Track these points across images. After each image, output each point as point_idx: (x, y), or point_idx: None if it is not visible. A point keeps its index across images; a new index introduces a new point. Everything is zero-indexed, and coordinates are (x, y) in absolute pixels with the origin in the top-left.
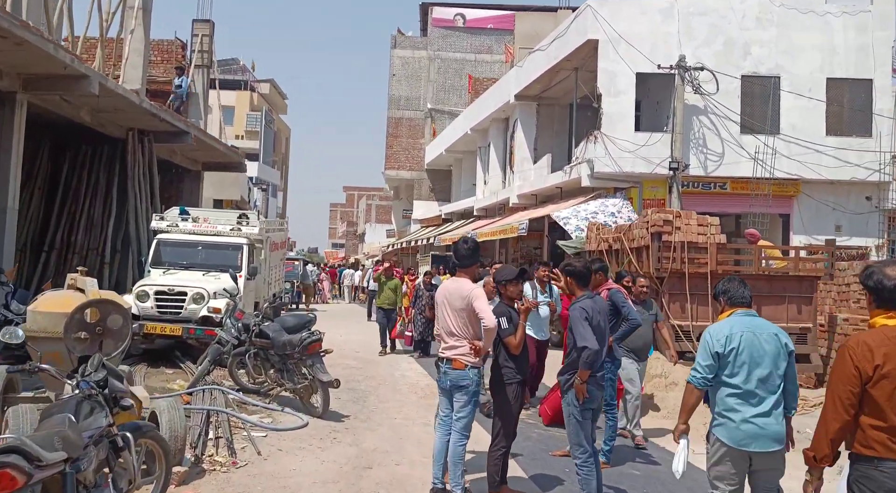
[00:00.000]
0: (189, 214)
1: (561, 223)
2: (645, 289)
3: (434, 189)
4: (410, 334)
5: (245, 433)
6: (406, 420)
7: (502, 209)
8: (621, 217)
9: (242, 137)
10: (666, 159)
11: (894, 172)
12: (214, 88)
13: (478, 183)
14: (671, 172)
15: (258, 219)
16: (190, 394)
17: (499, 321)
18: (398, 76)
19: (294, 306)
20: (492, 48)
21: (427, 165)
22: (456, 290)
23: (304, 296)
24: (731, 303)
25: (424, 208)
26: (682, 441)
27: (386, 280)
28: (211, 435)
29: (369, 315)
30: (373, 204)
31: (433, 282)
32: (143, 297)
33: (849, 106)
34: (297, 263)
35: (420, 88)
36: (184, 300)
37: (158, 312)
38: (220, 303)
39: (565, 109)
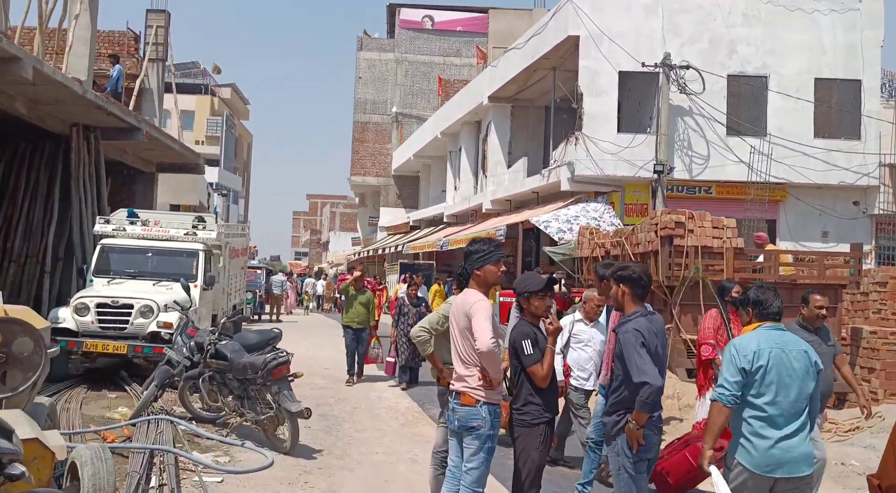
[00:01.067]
0: (138, 217)
1: (541, 227)
2: (824, 311)
3: (401, 196)
4: (392, 359)
5: (196, 479)
6: (389, 455)
7: (474, 216)
8: (603, 222)
9: (203, 142)
10: (649, 162)
11: (882, 177)
12: (172, 91)
13: (448, 189)
14: (655, 176)
15: (216, 223)
16: (134, 425)
17: (522, 345)
18: (364, 79)
19: (257, 318)
20: (461, 51)
21: (394, 170)
22: (461, 304)
23: (270, 307)
24: (762, 316)
25: (391, 215)
26: (714, 470)
27: (356, 293)
28: (154, 483)
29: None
30: (337, 211)
31: (419, 294)
32: (82, 310)
33: (837, 107)
34: (259, 271)
35: (387, 91)
36: (130, 314)
37: (100, 327)
38: (172, 317)
39: (541, 110)
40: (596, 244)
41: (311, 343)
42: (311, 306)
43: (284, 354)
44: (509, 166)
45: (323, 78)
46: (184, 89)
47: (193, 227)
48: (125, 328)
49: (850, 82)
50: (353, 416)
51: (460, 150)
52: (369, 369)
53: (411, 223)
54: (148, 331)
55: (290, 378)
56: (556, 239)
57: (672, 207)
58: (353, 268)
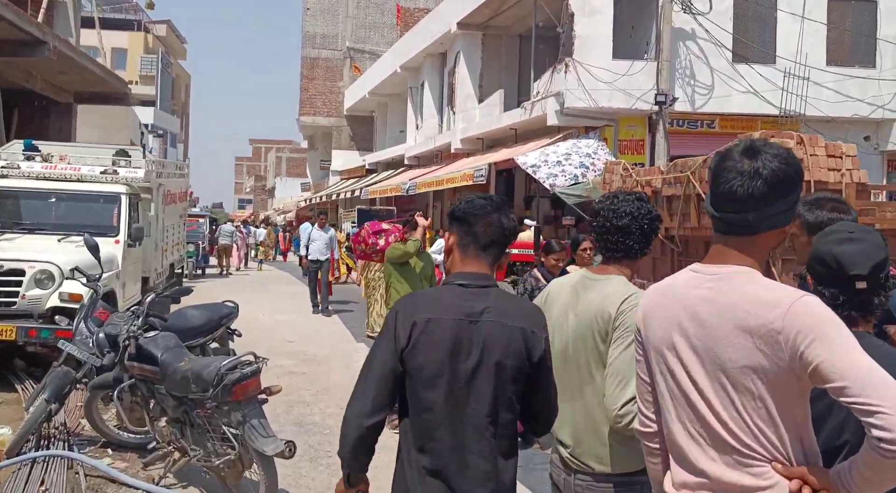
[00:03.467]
0: (38, 151)
1: (529, 172)
2: None
3: (355, 137)
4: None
5: None
6: None
7: (438, 157)
8: (598, 161)
9: (137, 82)
10: (648, 92)
11: None
12: (97, 27)
13: (409, 128)
14: (656, 108)
15: (144, 159)
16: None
17: None
18: (313, 10)
19: (200, 272)
20: None
21: (347, 110)
22: (725, 310)
23: (218, 259)
24: None
25: (345, 159)
26: None
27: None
28: None
29: (314, 295)
30: (283, 156)
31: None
32: None
33: (851, 31)
34: (201, 220)
35: (338, 24)
36: (20, 283)
37: None
38: (82, 288)
39: (515, 39)
40: (637, 182)
41: (269, 305)
42: (266, 258)
43: (252, 361)
44: (480, 101)
45: (268, 11)
46: (114, 25)
47: (113, 164)
48: (14, 303)
49: (865, 3)
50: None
51: (423, 85)
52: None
53: (367, 167)
54: (47, 306)
55: (262, 398)
56: (548, 186)
57: (673, 143)
58: (414, 213)
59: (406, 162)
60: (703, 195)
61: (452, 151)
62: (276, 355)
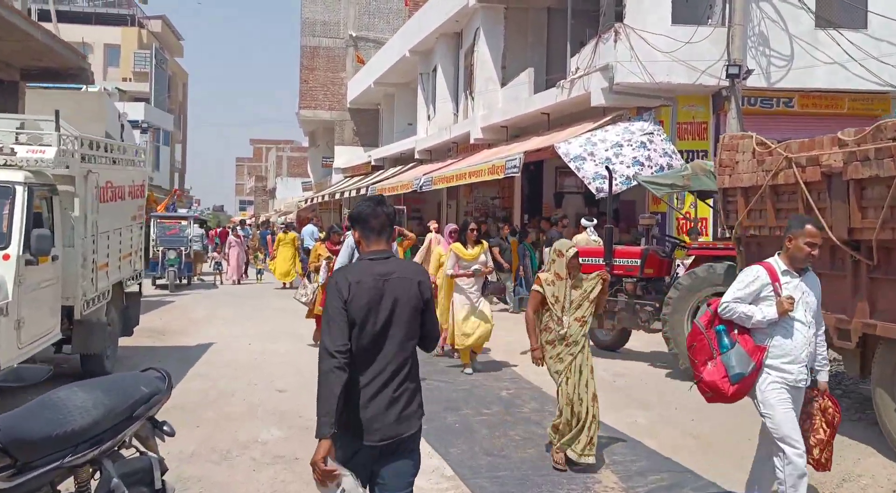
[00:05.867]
0: None
1: (571, 167)
2: None
3: (359, 132)
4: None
5: None
6: None
7: (454, 150)
8: (654, 150)
9: (130, 79)
10: (714, 64)
11: None
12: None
13: (419, 119)
14: (725, 82)
15: (59, 136)
16: None
17: None
18: None
19: (185, 282)
20: None
21: (350, 103)
22: None
23: (194, 267)
24: None
25: (348, 155)
26: None
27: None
28: None
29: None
30: (283, 156)
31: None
32: None
33: None
34: (183, 222)
35: (339, 11)
36: None
37: None
38: None
39: (542, 13)
40: (788, 161)
41: (260, 327)
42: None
43: None
44: (504, 84)
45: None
46: (107, 20)
47: (12, 143)
48: None
49: None
50: None
51: (435, 70)
52: None
53: (373, 163)
54: None
55: None
56: (595, 190)
57: (749, 125)
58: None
59: (416, 157)
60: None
61: (472, 141)
62: (255, 419)
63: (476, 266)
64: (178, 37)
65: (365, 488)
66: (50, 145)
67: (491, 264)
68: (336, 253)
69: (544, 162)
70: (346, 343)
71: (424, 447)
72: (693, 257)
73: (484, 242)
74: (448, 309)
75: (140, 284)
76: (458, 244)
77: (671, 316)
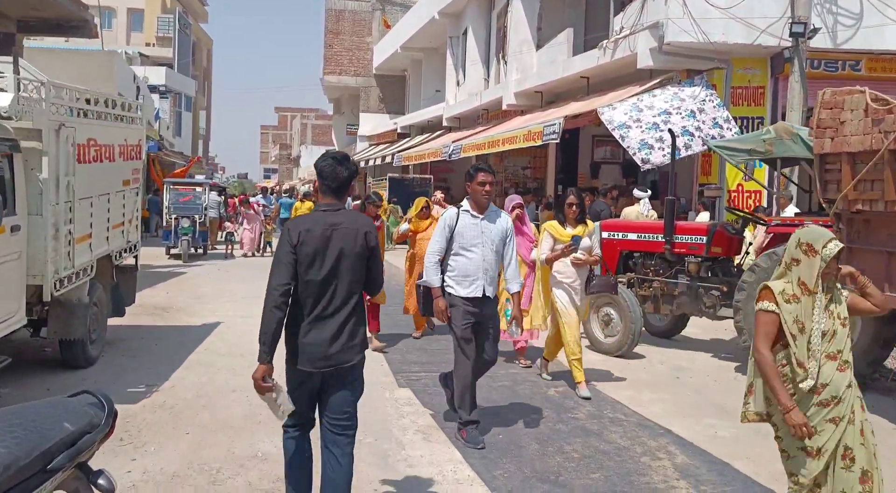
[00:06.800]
0: None
1: (616, 135)
2: None
3: (384, 99)
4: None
5: None
6: None
7: (484, 117)
8: (704, 121)
9: (153, 44)
10: (775, 22)
11: None
12: None
13: (448, 85)
14: (787, 42)
15: (19, 79)
16: None
17: None
18: None
19: (200, 251)
20: None
21: (376, 69)
22: None
23: (208, 237)
24: None
25: (374, 123)
26: None
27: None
28: None
29: None
30: (308, 123)
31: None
32: None
33: None
34: (198, 189)
35: None
36: None
37: None
38: None
39: None
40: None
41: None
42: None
43: None
44: (539, 47)
45: None
46: None
47: None
48: None
49: None
50: None
51: (465, 32)
52: None
53: (399, 131)
54: None
55: None
56: (640, 161)
57: (811, 90)
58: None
59: (445, 124)
60: None
61: (504, 107)
62: (257, 426)
63: (579, 251)
64: (202, 2)
65: (313, 411)
66: (4, 90)
67: (598, 251)
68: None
69: (580, 130)
70: (287, 283)
71: (464, 470)
72: (770, 236)
73: (590, 221)
74: (547, 306)
75: (137, 257)
76: (553, 223)
77: (745, 303)
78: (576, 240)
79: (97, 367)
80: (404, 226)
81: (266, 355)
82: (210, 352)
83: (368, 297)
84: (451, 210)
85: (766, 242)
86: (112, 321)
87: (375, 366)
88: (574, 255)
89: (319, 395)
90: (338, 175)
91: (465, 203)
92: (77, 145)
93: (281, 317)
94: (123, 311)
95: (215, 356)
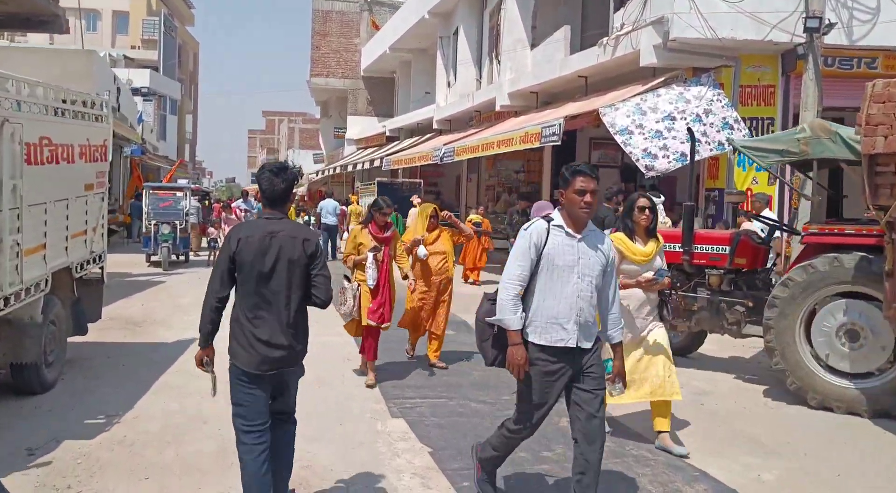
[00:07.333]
0: None
1: (618, 140)
2: None
3: (373, 102)
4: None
5: None
6: None
7: (476, 119)
8: (713, 120)
9: (139, 47)
10: (787, 17)
11: None
12: None
13: (438, 86)
14: (800, 38)
15: None
16: None
17: None
18: None
19: (182, 259)
20: None
21: (364, 71)
22: None
23: (189, 244)
24: None
25: (362, 126)
26: None
27: None
28: None
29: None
30: (295, 127)
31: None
32: None
33: None
34: (179, 194)
35: None
36: None
37: None
38: None
39: None
40: None
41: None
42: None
43: None
44: (534, 45)
45: None
46: None
47: None
48: None
49: None
50: None
51: (456, 32)
52: None
53: (388, 134)
54: None
55: None
56: (644, 168)
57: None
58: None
59: (435, 126)
60: None
61: (497, 109)
62: (230, 469)
63: (650, 272)
64: (188, 5)
65: (267, 413)
66: None
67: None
68: (384, 241)
69: (577, 132)
70: (224, 291)
71: None
72: (804, 246)
73: (659, 236)
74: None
75: (103, 268)
76: (621, 235)
77: (777, 321)
78: (660, 274)
79: (54, 392)
80: (422, 252)
81: (204, 341)
82: (183, 373)
83: (318, 307)
84: (539, 223)
85: (798, 254)
86: (77, 339)
87: (365, 392)
88: (648, 273)
89: (272, 394)
90: (274, 187)
91: (557, 216)
92: (26, 144)
93: (216, 317)
94: (86, 328)
95: (188, 378)
